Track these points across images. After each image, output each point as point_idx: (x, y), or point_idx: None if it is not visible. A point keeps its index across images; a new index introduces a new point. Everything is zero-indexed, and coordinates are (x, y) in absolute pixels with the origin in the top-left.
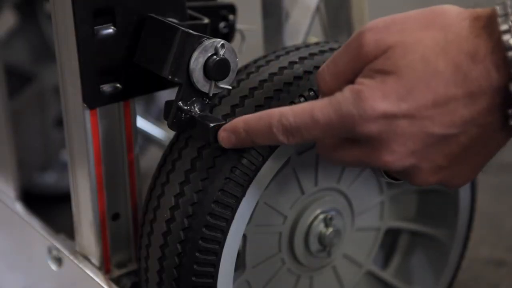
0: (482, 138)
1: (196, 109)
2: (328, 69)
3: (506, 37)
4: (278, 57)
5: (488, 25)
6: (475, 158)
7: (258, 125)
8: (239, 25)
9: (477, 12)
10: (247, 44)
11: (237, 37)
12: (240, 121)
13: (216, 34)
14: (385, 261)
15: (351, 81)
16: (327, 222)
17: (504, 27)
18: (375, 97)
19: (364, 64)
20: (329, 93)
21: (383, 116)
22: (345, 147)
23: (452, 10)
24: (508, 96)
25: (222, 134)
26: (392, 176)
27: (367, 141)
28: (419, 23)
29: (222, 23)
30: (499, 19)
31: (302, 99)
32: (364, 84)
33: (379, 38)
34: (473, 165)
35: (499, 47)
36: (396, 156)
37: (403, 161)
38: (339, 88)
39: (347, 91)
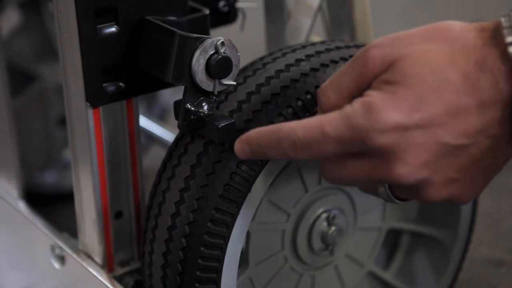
0: (492, 150)
1: (204, 108)
2: (331, 85)
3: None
4: (284, 54)
5: (494, 37)
6: (484, 172)
7: (269, 139)
8: (239, 3)
9: (482, 25)
10: (248, 44)
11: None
12: (254, 133)
13: (216, 13)
14: (387, 261)
15: (356, 97)
16: (330, 221)
17: (509, 39)
18: (387, 108)
19: (370, 79)
20: (331, 110)
21: (396, 127)
22: (352, 163)
23: (455, 24)
24: None
25: (238, 146)
26: (399, 197)
27: (378, 154)
28: (424, 37)
29: (222, 1)
30: (504, 31)
31: (308, 96)
32: (374, 96)
33: (385, 53)
34: (482, 179)
35: (506, 58)
36: (410, 169)
37: (416, 174)
38: (343, 105)
39: (357, 103)
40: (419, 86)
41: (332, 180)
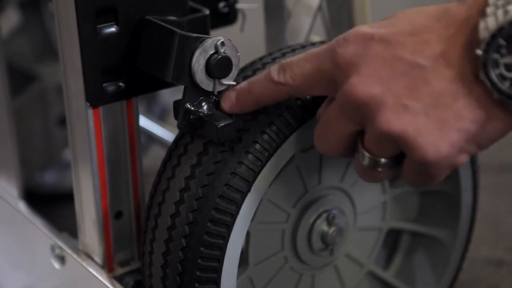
0: (451, 83)
1: (204, 108)
2: None
3: None
4: (284, 54)
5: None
6: (444, 114)
7: (260, 73)
8: (239, 4)
9: None
10: (248, 44)
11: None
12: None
13: (216, 14)
14: (387, 261)
15: None
16: (329, 220)
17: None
18: (363, 25)
19: None
20: None
21: (362, 37)
22: (329, 106)
23: None
24: (476, 34)
25: (225, 92)
26: (368, 146)
27: (342, 70)
28: None
29: (222, 2)
30: None
31: (308, 96)
32: None
33: None
34: (442, 123)
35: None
36: (362, 79)
37: (367, 85)
38: None
39: None
40: (399, 14)
41: (321, 140)
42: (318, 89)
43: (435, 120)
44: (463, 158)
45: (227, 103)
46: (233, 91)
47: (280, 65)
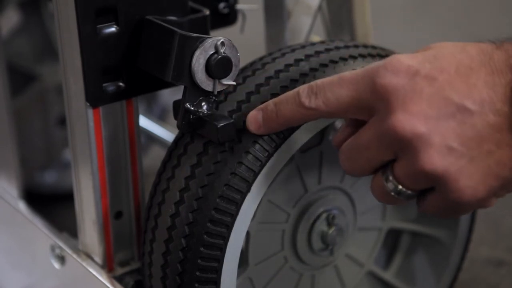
0: (496, 132)
1: (204, 108)
2: None
3: None
4: (283, 54)
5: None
6: (487, 160)
7: (287, 94)
8: (239, 5)
9: None
10: (248, 44)
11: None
12: (271, 100)
13: (216, 14)
14: (387, 261)
15: None
16: (329, 221)
17: None
18: (403, 56)
19: None
20: None
21: (406, 70)
22: (362, 131)
23: None
24: None
25: (251, 113)
26: (400, 178)
27: (382, 101)
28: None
29: (222, 3)
30: None
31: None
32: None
33: None
34: (483, 169)
35: None
36: (408, 116)
37: (414, 123)
38: None
39: None
40: (439, 49)
41: (350, 162)
42: (352, 114)
43: (477, 165)
44: (494, 202)
45: (253, 125)
46: (258, 112)
47: (310, 88)
